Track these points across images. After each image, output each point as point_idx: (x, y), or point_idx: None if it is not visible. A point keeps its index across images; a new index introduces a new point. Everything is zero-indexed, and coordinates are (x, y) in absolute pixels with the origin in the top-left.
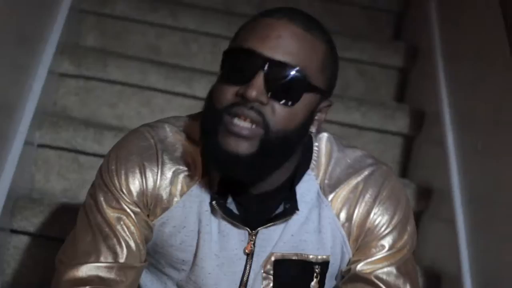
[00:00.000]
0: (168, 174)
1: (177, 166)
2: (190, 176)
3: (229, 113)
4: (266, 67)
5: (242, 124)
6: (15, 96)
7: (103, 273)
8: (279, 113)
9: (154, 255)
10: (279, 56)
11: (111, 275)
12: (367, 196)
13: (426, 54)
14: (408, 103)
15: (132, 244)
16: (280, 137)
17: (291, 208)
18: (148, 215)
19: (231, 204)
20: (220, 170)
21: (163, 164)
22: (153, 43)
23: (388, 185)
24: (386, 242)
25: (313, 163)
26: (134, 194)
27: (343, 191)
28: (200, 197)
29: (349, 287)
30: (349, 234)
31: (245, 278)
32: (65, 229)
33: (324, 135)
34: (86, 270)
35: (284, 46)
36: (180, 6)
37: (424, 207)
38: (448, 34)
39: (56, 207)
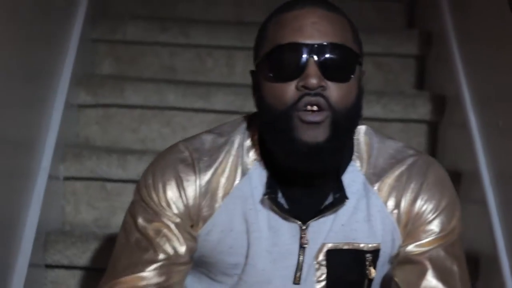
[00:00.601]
0: (206, 179)
1: (216, 172)
2: (230, 178)
3: (297, 108)
4: (314, 54)
5: (313, 117)
6: (34, 132)
7: (141, 283)
8: (339, 92)
9: (203, 266)
10: (322, 40)
11: (148, 281)
12: (413, 183)
13: (440, 39)
14: (428, 89)
15: (172, 252)
16: (345, 114)
17: (340, 198)
18: (192, 226)
19: (281, 198)
20: (302, 164)
21: (200, 172)
22: (167, 63)
23: (433, 172)
24: (435, 226)
25: (355, 154)
26: (174, 206)
27: (389, 180)
28: (242, 197)
29: (397, 270)
30: (398, 221)
31: (298, 271)
32: (99, 257)
33: (362, 128)
34: (124, 283)
35: (321, 29)
36: (190, 23)
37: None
38: (461, 17)
39: (87, 237)
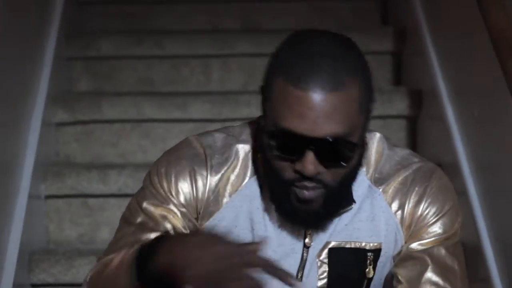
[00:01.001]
0: (217, 177)
1: (226, 169)
2: (239, 177)
3: (296, 186)
4: (312, 146)
5: (307, 194)
6: (12, 153)
7: None
8: (335, 173)
9: None
10: (320, 133)
11: None
12: (417, 187)
13: (414, 34)
14: (405, 85)
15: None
16: (340, 186)
17: (347, 203)
18: (196, 219)
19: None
20: (298, 224)
21: (211, 168)
22: (144, 76)
23: (437, 177)
24: (438, 227)
25: (363, 160)
26: (183, 197)
27: (394, 183)
28: (250, 196)
29: (399, 266)
30: (402, 222)
31: (301, 269)
32: (84, 273)
33: (376, 135)
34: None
35: (322, 121)
36: (164, 34)
37: None
38: (433, 11)
39: (71, 254)
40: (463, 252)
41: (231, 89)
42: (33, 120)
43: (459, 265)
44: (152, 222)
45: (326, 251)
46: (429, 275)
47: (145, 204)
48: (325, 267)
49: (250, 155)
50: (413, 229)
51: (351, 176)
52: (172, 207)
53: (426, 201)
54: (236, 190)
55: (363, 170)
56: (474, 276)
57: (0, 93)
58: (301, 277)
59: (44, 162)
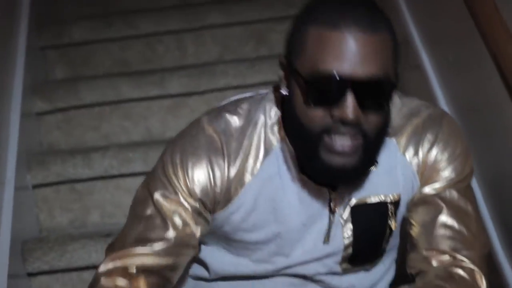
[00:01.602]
0: (235, 165)
1: (243, 156)
2: (255, 159)
3: (329, 134)
4: (353, 87)
5: (344, 142)
6: None
7: (149, 261)
8: (373, 120)
9: (225, 242)
10: (361, 73)
11: (157, 261)
12: (428, 134)
13: None
14: None
15: (184, 234)
16: (377, 138)
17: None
18: (211, 210)
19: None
20: (327, 181)
21: (229, 156)
22: (119, 57)
23: (447, 122)
24: (449, 171)
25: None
26: (199, 188)
27: (406, 132)
28: (267, 178)
29: (413, 212)
30: (417, 169)
31: (327, 232)
32: (77, 257)
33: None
34: (132, 257)
35: (362, 60)
36: (135, 14)
37: None
38: None
39: (63, 240)
40: (474, 194)
41: (207, 61)
42: (12, 112)
43: (472, 207)
44: (160, 218)
45: (348, 209)
46: (444, 218)
47: (156, 196)
48: (350, 225)
49: (267, 123)
50: (426, 174)
51: (386, 125)
52: (183, 201)
53: (438, 146)
54: (254, 174)
55: None
56: None
57: None
58: (328, 239)
59: (27, 152)
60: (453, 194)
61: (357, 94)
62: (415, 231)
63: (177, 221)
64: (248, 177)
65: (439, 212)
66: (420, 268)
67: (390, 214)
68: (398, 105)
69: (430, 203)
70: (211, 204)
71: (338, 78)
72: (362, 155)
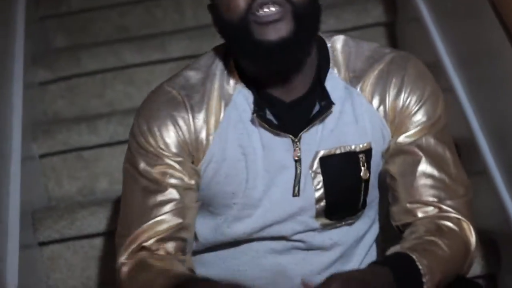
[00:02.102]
0: (200, 115)
1: (206, 103)
2: (217, 109)
3: (252, 9)
4: None
5: (271, 11)
6: None
7: (161, 227)
8: None
9: (204, 201)
10: None
11: (168, 223)
12: (394, 78)
13: None
14: None
15: (182, 189)
16: (305, 7)
17: (327, 104)
18: (192, 162)
19: (269, 115)
20: (268, 64)
21: (192, 108)
22: (119, 24)
23: (412, 65)
24: (421, 115)
25: (331, 61)
26: (173, 146)
27: (369, 79)
28: (231, 125)
29: (390, 163)
30: (385, 117)
31: (297, 184)
32: (87, 224)
33: (340, 36)
34: (144, 232)
35: None
36: None
37: None
38: None
39: (73, 207)
40: (450, 136)
41: (207, 22)
42: (15, 83)
43: (450, 151)
44: (154, 184)
45: (317, 161)
46: (423, 167)
47: (141, 167)
48: (319, 177)
49: (224, 73)
50: (397, 121)
51: (313, 3)
52: (167, 160)
53: (405, 91)
54: (218, 123)
55: (334, 71)
56: (470, 169)
57: None
58: (298, 191)
59: (32, 122)
60: (430, 140)
61: None
62: (395, 183)
63: (171, 180)
64: (213, 127)
65: (417, 161)
66: (406, 220)
67: (361, 163)
68: (357, 48)
69: (407, 153)
70: (190, 157)
71: None
72: (294, 24)
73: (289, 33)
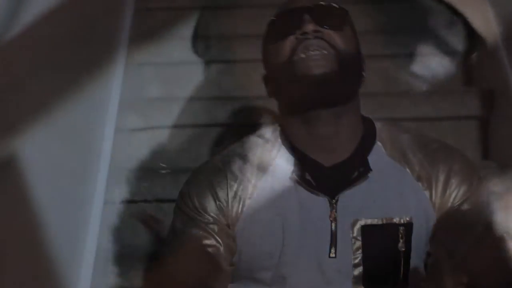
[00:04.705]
0: (237, 180)
1: (244, 173)
2: (260, 170)
3: (298, 51)
4: (308, 10)
5: (315, 53)
6: (87, 160)
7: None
8: (335, 36)
9: (243, 266)
10: (314, 2)
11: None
12: (440, 170)
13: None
14: (475, 85)
15: (216, 251)
16: (350, 54)
17: (365, 171)
18: (228, 226)
19: (308, 177)
20: (311, 95)
21: (232, 173)
22: (214, 79)
23: (458, 157)
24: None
25: (378, 137)
26: (209, 210)
27: (417, 160)
28: (270, 187)
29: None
30: (431, 201)
31: (333, 246)
32: None
33: (378, 123)
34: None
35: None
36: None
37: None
38: None
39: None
40: None
41: None
42: (107, 127)
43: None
44: (200, 242)
45: (358, 228)
46: None
47: (180, 231)
48: (359, 244)
49: (270, 139)
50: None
51: (358, 55)
52: (203, 225)
53: (451, 186)
54: (257, 185)
55: (379, 144)
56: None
57: (78, 102)
58: (335, 253)
59: (118, 167)
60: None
61: (312, 14)
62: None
63: (206, 243)
64: (252, 191)
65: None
66: None
67: (400, 235)
68: (404, 131)
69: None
70: (226, 220)
71: (293, 9)
72: (336, 65)
73: (331, 71)
